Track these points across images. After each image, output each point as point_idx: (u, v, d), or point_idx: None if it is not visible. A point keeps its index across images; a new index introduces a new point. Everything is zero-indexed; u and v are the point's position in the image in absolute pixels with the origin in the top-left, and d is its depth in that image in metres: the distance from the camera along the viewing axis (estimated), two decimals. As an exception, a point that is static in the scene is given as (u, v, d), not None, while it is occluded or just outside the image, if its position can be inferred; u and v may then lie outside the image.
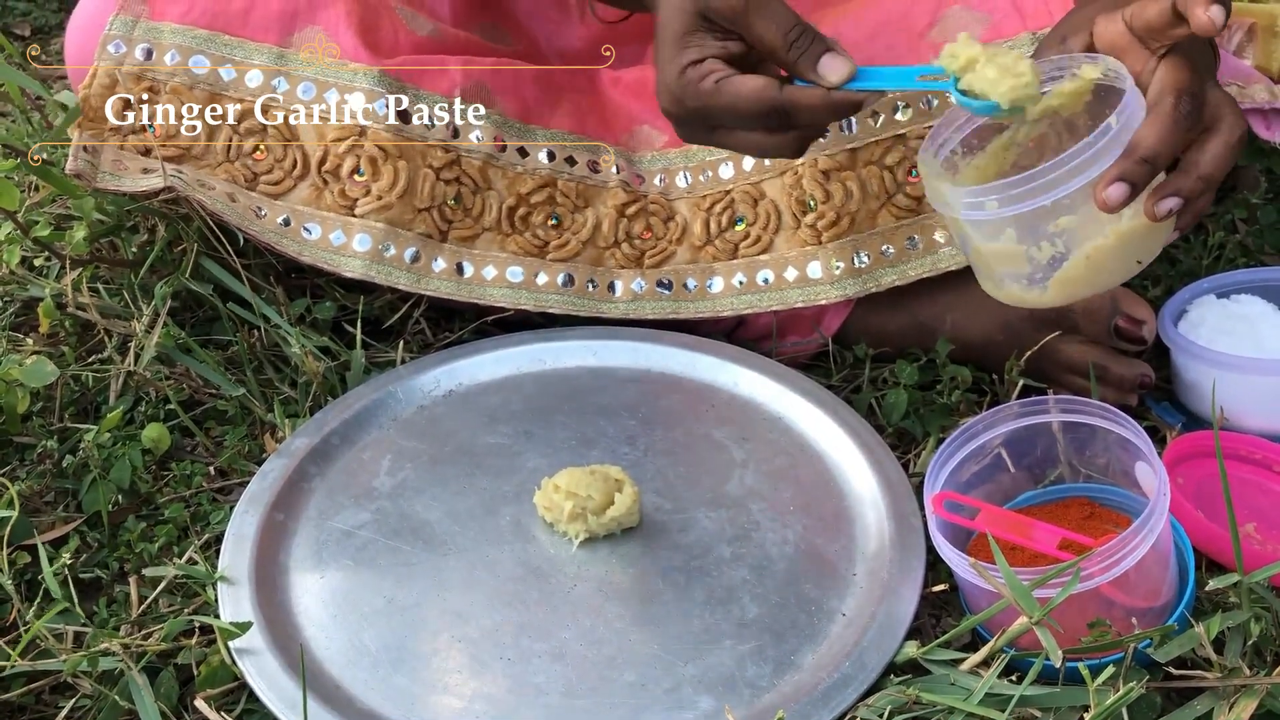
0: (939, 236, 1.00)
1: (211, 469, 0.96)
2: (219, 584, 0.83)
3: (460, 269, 1.03)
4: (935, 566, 0.84)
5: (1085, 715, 0.66)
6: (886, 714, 0.72)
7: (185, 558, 0.87)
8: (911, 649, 0.77)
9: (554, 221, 1.04)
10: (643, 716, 0.75)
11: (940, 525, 0.80)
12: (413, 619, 0.81)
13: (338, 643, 0.80)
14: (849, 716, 0.74)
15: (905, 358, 1.02)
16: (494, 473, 0.92)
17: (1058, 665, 0.67)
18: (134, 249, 1.09)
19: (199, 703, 0.75)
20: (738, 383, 0.99)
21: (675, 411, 0.97)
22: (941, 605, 0.85)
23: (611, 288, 1.04)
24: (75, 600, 0.83)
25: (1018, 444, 0.88)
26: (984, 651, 0.73)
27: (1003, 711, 0.69)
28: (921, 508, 0.86)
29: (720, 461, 0.93)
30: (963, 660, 0.75)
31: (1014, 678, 0.72)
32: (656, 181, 1.06)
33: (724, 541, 0.86)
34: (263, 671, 0.77)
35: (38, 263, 1.14)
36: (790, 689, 0.76)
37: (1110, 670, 0.67)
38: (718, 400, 0.98)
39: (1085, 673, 0.66)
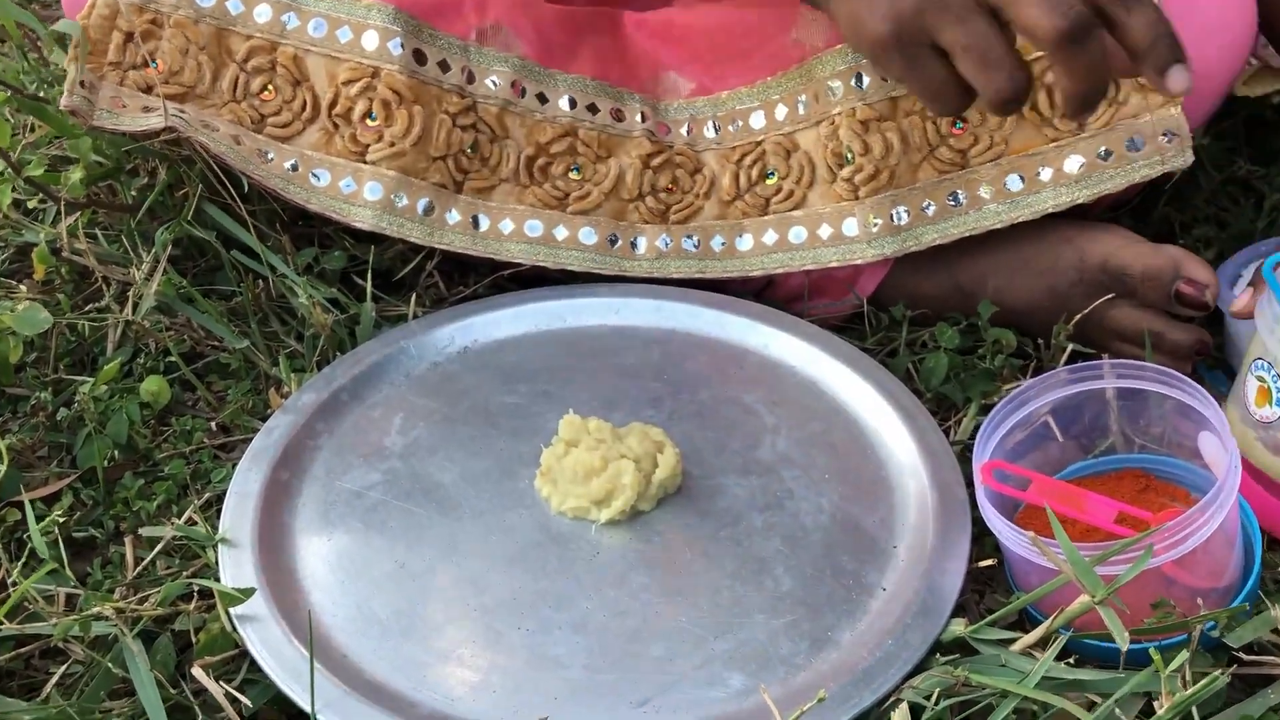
0: (984, 192, 0.95)
1: (213, 424, 0.92)
2: (220, 546, 0.78)
3: (475, 222, 0.98)
4: (979, 539, 0.79)
5: (1158, 703, 0.61)
6: (934, 696, 0.67)
7: (184, 518, 0.82)
8: (958, 627, 0.72)
9: (575, 172, 0.99)
10: (670, 693, 0.71)
11: (989, 496, 0.75)
12: (425, 585, 0.77)
13: (345, 609, 0.76)
14: (892, 698, 0.69)
15: (945, 320, 0.97)
16: (511, 433, 0.87)
17: (1124, 649, 0.62)
18: (133, 192, 1.04)
19: (196, 671, 0.70)
20: (768, 344, 0.94)
21: (702, 373, 0.92)
22: (984, 580, 0.80)
23: (635, 244, 0.99)
24: (66, 561, 0.79)
25: (1065, 412, 0.83)
26: (1039, 631, 0.68)
27: (1062, 696, 0.64)
28: (966, 476, 0.82)
29: (751, 426, 0.88)
30: (1013, 640, 0.70)
31: (1071, 660, 0.67)
32: (683, 131, 1.01)
33: (755, 510, 0.82)
34: (265, 639, 0.72)
35: (31, 205, 1.09)
36: (828, 668, 0.71)
37: (1183, 656, 0.62)
38: (747, 362, 0.93)
39: (1156, 657, 0.61)
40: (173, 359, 0.95)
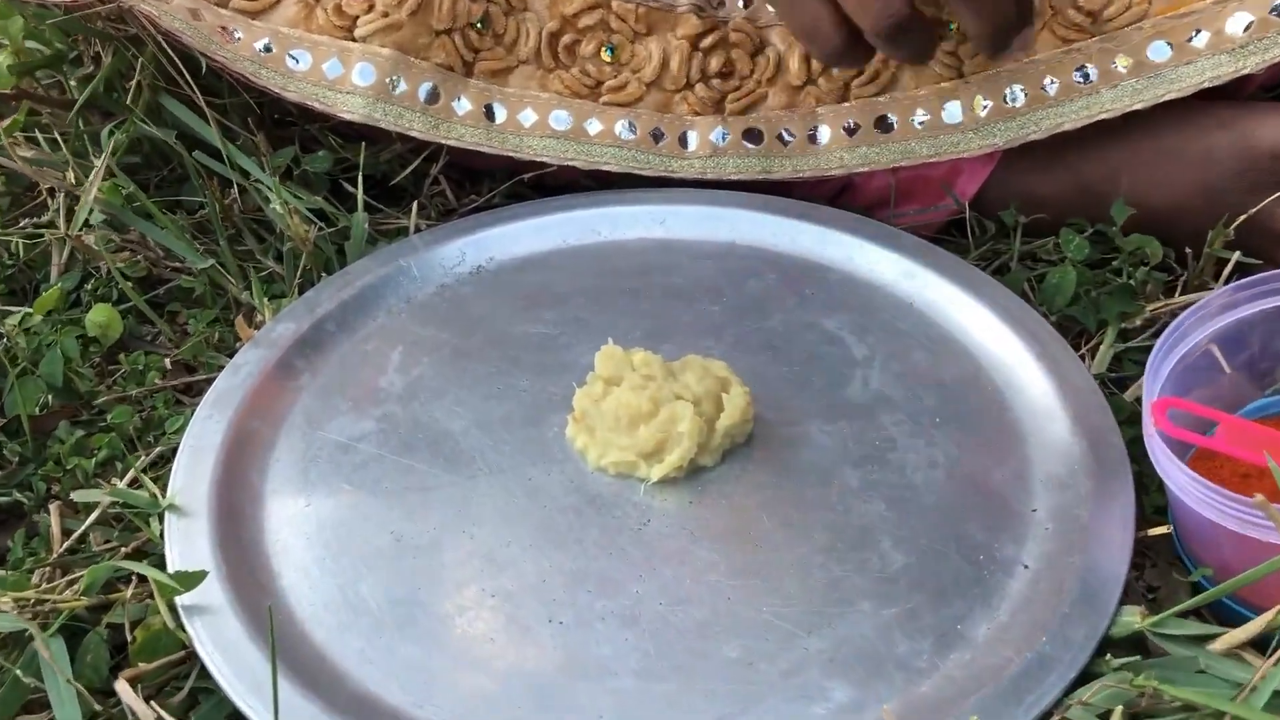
0: (1120, 65, 0.77)
1: (167, 362, 0.75)
2: (168, 514, 0.63)
3: (490, 112, 0.81)
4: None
5: None
6: (1114, 717, 0.50)
7: (126, 479, 0.66)
8: (1134, 618, 0.55)
9: (608, 53, 0.82)
10: (753, 710, 0.55)
11: (1166, 443, 0.58)
12: (429, 564, 0.62)
13: (325, 596, 0.61)
14: (1056, 717, 0.52)
15: (1069, 227, 0.80)
16: (536, 370, 0.72)
17: (1404, 658, 0.45)
18: (73, 83, 0.87)
19: (119, 685, 0.54)
20: (852, 256, 0.79)
21: (770, 295, 0.77)
22: (1141, 552, 0.63)
23: (684, 140, 0.83)
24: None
25: (1228, 337, 0.66)
26: (1256, 625, 0.51)
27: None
28: (1119, 419, 0.65)
29: (835, 358, 0.72)
30: (1209, 637, 0.53)
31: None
32: (740, 3, 0.84)
33: (849, 464, 0.66)
34: (219, 638, 0.57)
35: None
36: (962, 674, 0.55)
37: None
38: (827, 279, 0.78)
39: None
40: (125, 286, 0.78)
